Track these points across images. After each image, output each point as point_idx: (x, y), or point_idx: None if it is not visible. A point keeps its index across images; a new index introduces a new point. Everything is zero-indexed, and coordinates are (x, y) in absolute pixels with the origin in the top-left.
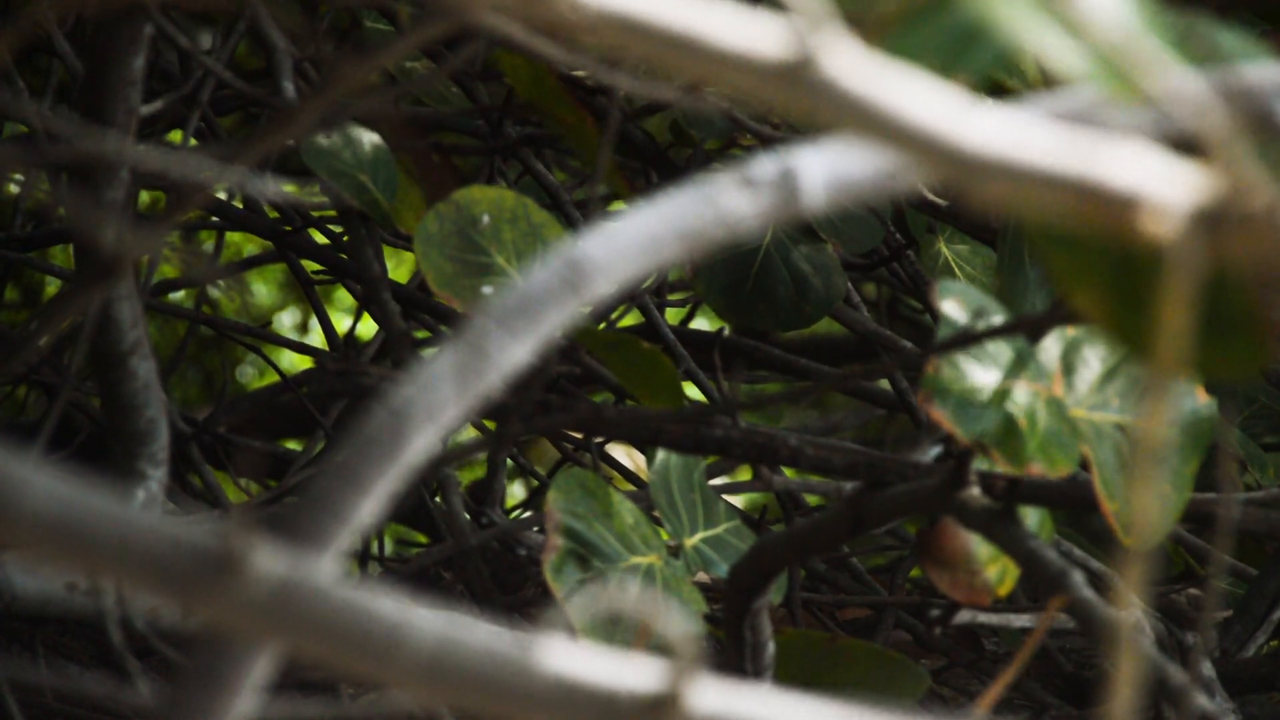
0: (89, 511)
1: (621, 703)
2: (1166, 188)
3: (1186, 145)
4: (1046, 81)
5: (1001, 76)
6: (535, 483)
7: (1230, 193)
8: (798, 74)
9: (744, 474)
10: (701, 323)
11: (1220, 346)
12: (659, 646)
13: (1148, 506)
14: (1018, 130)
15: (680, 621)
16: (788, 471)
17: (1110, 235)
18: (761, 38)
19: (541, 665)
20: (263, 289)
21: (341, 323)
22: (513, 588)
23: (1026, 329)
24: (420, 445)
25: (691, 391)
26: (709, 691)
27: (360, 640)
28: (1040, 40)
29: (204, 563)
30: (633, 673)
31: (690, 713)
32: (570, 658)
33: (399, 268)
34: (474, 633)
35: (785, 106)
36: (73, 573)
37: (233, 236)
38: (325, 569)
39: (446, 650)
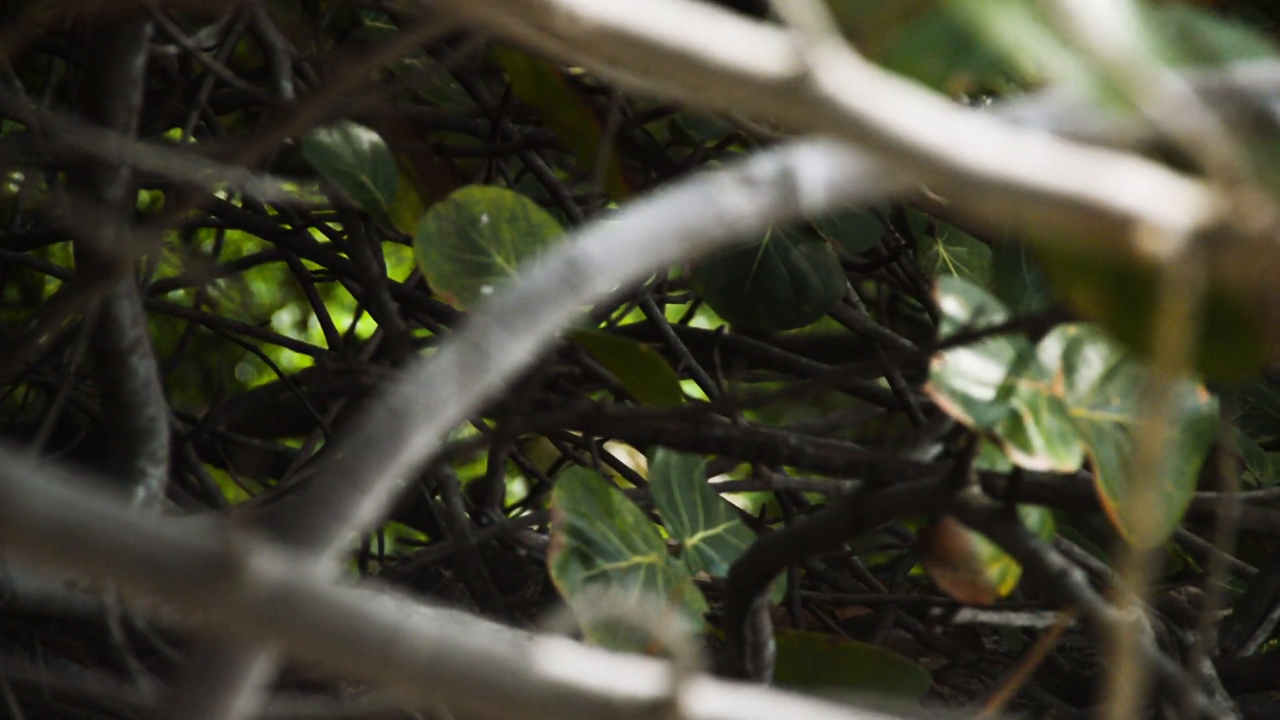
0: (87, 513)
1: (619, 706)
2: (1165, 206)
3: (1181, 154)
4: (1041, 84)
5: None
6: (535, 481)
7: (1229, 212)
8: (796, 89)
9: (744, 472)
10: (701, 321)
11: (1219, 346)
12: (660, 650)
13: (1150, 506)
14: (1016, 146)
15: (679, 624)
16: (788, 470)
17: (1108, 251)
18: (759, 52)
19: (539, 668)
20: (262, 287)
21: (341, 321)
22: (512, 587)
23: (1027, 327)
24: (420, 444)
25: (691, 389)
26: (707, 695)
27: (358, 643)
28: (1035, 49)
29: (202, 566)
30: (630, 676)
31: (688, 716)
32: (568, 661)
33: (398, 266)
34: (472, 635)
35: (783, 120)
36: (71, 573)
37: (232, 235)
38: (323, 571)
39: (444, 653)
